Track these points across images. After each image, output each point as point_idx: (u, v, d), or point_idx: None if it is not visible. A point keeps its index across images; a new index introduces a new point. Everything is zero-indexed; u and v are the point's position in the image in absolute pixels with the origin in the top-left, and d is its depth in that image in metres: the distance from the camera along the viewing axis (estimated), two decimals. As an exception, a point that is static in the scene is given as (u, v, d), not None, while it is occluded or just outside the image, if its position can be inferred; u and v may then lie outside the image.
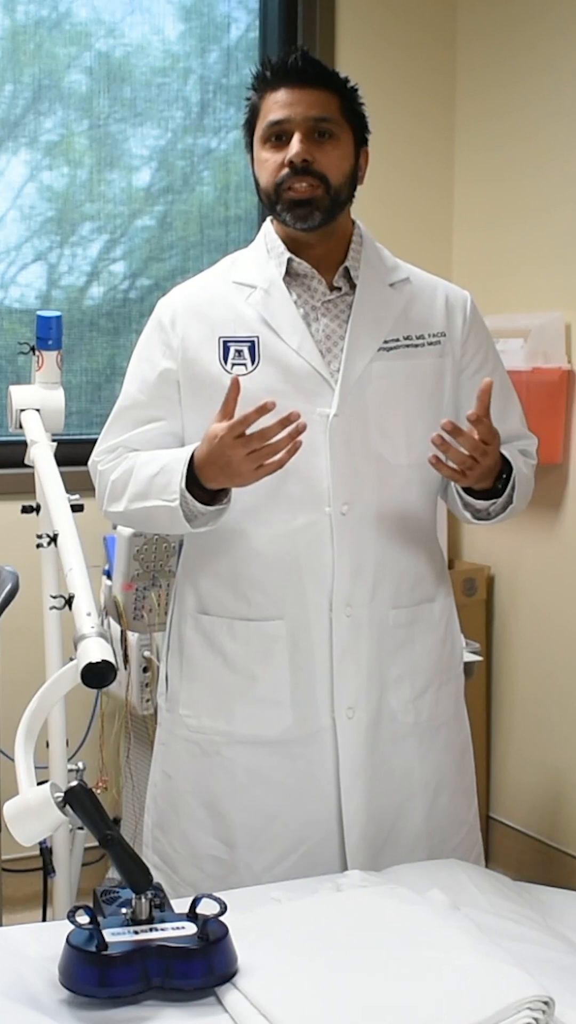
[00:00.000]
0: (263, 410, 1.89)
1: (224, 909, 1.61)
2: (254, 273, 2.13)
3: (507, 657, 3.59)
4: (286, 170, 2.03)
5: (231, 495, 2.02)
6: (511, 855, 3.52)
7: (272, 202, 2.07)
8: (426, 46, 3.70)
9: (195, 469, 1.98)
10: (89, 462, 2.18)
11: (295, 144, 2.02)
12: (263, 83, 2.07)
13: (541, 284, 3.43)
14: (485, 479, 2.04)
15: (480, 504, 2.10)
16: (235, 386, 1.91)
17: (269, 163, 2.05)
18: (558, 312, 3.32)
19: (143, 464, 2.07)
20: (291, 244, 2.11)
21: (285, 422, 1.90)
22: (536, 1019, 1.50)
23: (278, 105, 2.04)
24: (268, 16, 3.62)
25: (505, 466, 2.08)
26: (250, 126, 2.10)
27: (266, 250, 2.14)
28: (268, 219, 2.18)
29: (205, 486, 1.99)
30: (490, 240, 3.63)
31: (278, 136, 2.04)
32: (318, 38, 3.54)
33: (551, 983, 1.57)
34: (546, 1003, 1.52)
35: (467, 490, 2.09)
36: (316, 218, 2.05)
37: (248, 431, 1.89)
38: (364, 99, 2.13)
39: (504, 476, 2.09)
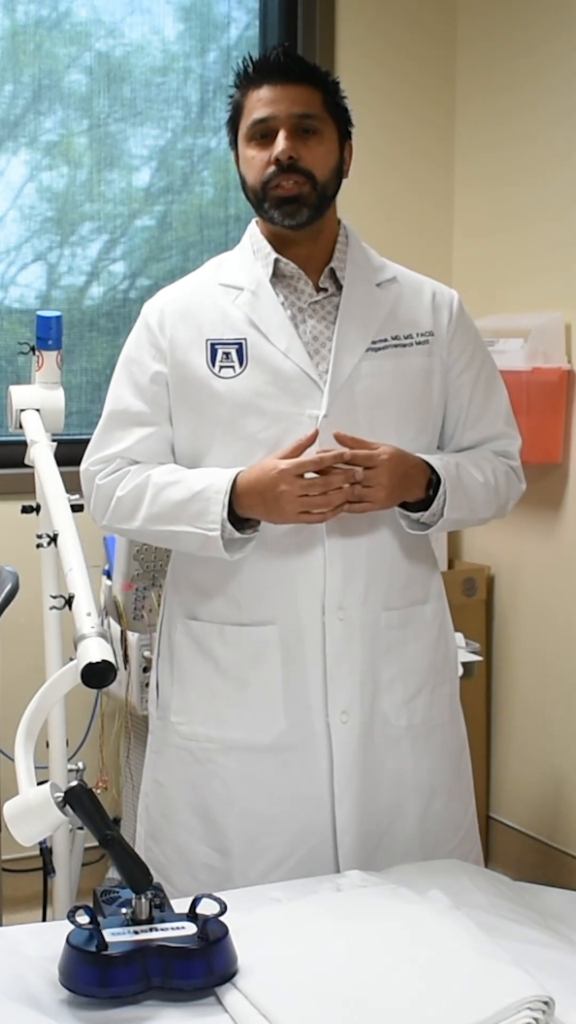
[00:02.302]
0: (339, 457, 1.96)
1: (224, 909, 1.61)
2: (240, 275, 2.12)
3: (507, 657, 3.59)
4: (272, 168, 2.03)
5: (260, 524, 2.03)
6: (511, 855, 3.52)
7: (259, 200, 2.06)
8: (426, 49, 3.70)
9: (233, 495, 1.99)
10: (82, 470, 2.16)
11: (280, 142, 2.02)
12: (246, 80, 2.07)
13: (541, 284, 3.43)
14: (398, 495, 2.04)
15: (414, 515, 2.09)
16: (314, 436, 1.98)
17: (255, 161, 2.05)
18: (558, 312, 3.32)
19: (163, 485, 2.05)
20: (277, 243, 2.11)
21: (350, 476, 1.96)
22: (536, 1019, 1.49)
23: (262, 103, 2.04)
24: (268, 16, 3.62)
25: (436, 475, 2.07)
26: (234, 124, 2.10)
27: (252, 251, 2.14)
28: (253, 220, 2.18)
29: (238, 513, 2.00)
30: (490, 240, 3.63)
31: (263, 134, 2.04)
32: (318, 38, 3.54)
33: (551, 983, 1.57)
34: (546, 1003, 1.52)
35: (403, 503, 2.08)
36: (304, 214, 2.04)
37: (308, 474, 1.94)
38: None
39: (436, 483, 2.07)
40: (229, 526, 1.99)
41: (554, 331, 3.30)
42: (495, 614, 3.63)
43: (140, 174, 3.58)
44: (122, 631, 2.91)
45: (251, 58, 2.08)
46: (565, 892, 2.11)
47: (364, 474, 1.98)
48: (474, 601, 3.55)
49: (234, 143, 2.12)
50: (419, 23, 3.69)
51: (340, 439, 1.99)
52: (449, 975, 1.57)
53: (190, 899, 1.66)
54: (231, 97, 2.11)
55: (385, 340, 2.10)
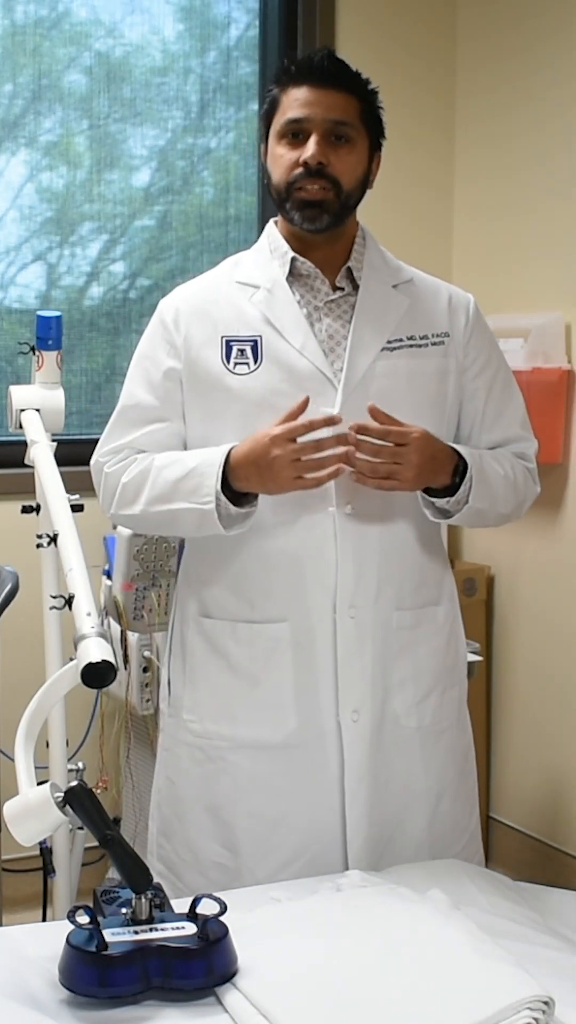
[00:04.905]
0: (331, 421, 1.94)
1: (224, 909, 1.61)
2: (257, 273, 2.12)
3: (507, 657, 3.59)
4: (300, 170, 2.03)
5: (258, 498, 2.02)
6: (511, 855, 3.52)
7: (282, 199, 2.07)
8: (426, 45, 3.70)
9: (228, 468, 1.99)
10: (92, 462, 2.17)
11: (311, 146, 2.02)
12: (286, 77, 2.07)
13: (541, 284, 3.43)
14: (426, 478, 2.03)
15: (439, 502, 2.09)
16: (305, 403, 1.96)
17: (283, 160, 2.05)
18: (558, 312, 3.32)
19: (163, 466, 2.06)
20: (296, 244, 2.11)
21: (343, 440, 1.95)
22: (536, 1019, 1.49)
23: (298, 103, 2.04)
24: (268, 16, 3.61)
25: (462, 462, 2.07)
26: (267, 118, 2.10)
27: (269, 250, 2.14)
28: (271, 220, 2.18)
29: (234, 487, 2.00)
30: (490, 240, 3.63)
31: (295, 133, 2.04)
32: (318, 37, 3.53)
33: (551, 983, 1.57)
34: (546, 1003, 1.52)
35: (427, 489, 2.08)
36: (324, 220, 2.05)
37: (301, 439, 1.93)
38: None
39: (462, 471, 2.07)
40: (224, 499, 1.99)
41: (554, 331, 3.30)
42: (495, 614, 3.62)
43: (140, 174, 3.57)
44: (122, 631, 2.91)
45: (295, 56, 2.08)
46: (565, 892, 2.12)
47: (395, 451, 1.98)
48: (474, 601, 3.55)
49: (264, 137, 2.12)
50: (419, 18, 3.68)
51: (373, 413, 1.98)
52: (449, 975, 1.57)
53: (190, 899, 1.66)
54: (269, 91, 2.10)
55: (400, 340, 2.10)
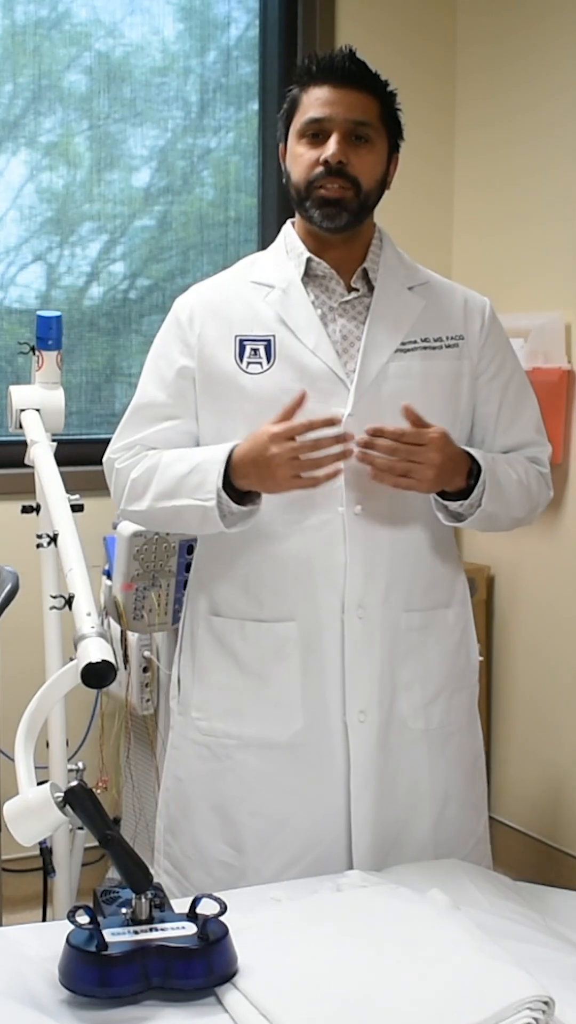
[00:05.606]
0: (330, 422, 1.94)
1: (224, 909, 1.61)
2: (272, 273, 2.13)
3: (507, 657, 3.59)
4: (320, 168, 2.03)
5: (262, 497, 2.02)
6: (511, 855, 3.52)
7: (302, 198, 2.07)
8: (426, 50, 3.70)
9: (230, 467, 1.99)
10: (104, 459, 2.17)
11: (332, 144, 2.02)
12: (307, 77, 2.07)
13: (541, 284, 3.43)
14: (445, 479, 2.03)
15: (452, 505, 2.08)
16: (301, 398, 1.95)
17: (304, 159, 2.06)
18: (558, 312, 3.32)
19: (169, 462, 2.06)
20: (312, 244, 2.12)
21: (340, 440, 1.94)
22: (536, 1019, 1.49)
23: (319, 103, 2.04)
24: (268, 16, 3.62)
25: (476, 467, 2.07)
26: (287, 118, 2.10)
27: (285, 251, 2.15)
28: (289, 221, 2.19)
29: (236, 485, 2.00)
30: (490, 240, 3.63)
31: (315, 133, 2.05)
32: (318, 39, 3.54)
33: (551, 983, 1.57)
34: (546, 1003, 1.52)
35: (441, 492, 2.08)
36: (343, 219, 2.05)
37: (300, 438, 1.93)
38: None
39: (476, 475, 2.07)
40: (225, 496, 1.99)
41: (554, 331, 3.30)
42: (495, 614, 3.62)
43: (140, 174, 3.58)
44: (122, 631, 2.91)
45: (315, 55, 2.09)
46: (565, 892, 2.12)
47: (410, 450, 1.97)
48: (474, 601, 3.50)
49: (284, 136, 2.12)
50: (419, 25, 3.68)
51: (406, 411, 1.98)
52: (449, 975, 1.57)
53: (190, 899, 1.66)
54: (289, 90, 2.11)
55: (415, 341, 2.10)
